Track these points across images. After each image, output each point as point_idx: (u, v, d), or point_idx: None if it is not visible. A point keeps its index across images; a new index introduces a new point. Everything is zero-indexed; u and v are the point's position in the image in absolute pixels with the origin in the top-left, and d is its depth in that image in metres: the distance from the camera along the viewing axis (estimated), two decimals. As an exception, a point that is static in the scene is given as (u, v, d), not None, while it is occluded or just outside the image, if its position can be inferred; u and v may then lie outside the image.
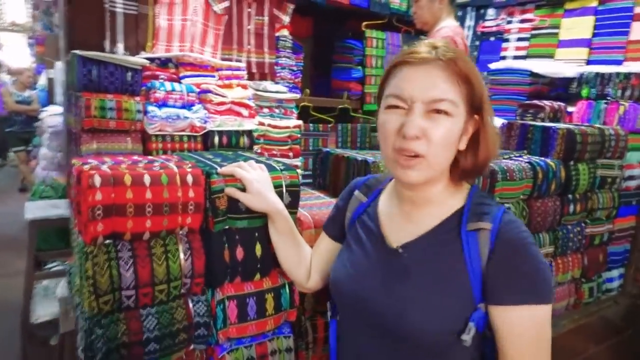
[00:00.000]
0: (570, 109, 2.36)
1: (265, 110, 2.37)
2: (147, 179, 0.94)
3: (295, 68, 2.74)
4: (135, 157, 1.12)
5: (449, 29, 2.26)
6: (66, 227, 2.26)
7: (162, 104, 1.78)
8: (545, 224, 1.81)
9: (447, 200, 0.90)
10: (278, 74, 2.64)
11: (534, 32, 2.80)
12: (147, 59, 1.79)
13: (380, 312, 0.86)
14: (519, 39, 2.88)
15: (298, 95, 2.51)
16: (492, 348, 0.85)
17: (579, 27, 2.56)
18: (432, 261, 0.85)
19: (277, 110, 2.42)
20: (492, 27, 3.06)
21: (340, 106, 2.99)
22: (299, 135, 2.44)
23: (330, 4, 2.72)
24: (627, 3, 2.36)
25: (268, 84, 2.38)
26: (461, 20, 3.30)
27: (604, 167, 2.04)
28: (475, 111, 0.86)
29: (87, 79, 1.51)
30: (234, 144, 2.07)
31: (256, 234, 1.11)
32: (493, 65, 2.66)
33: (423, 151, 0.80)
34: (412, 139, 0.80)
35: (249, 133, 2.13)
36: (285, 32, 2.64)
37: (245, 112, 2.13)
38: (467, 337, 0.80)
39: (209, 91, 2.02)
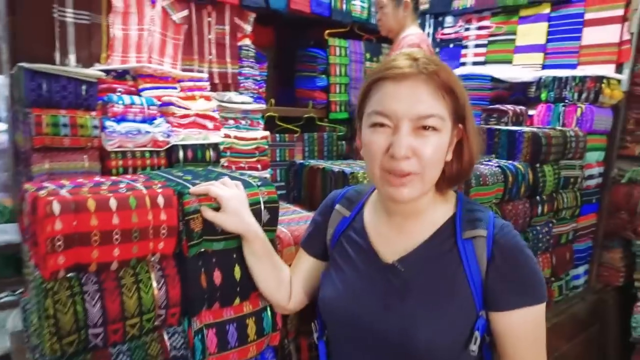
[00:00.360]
0: (530, 112, 2.43)
1: (231, 121, 2.30)
2: (113, 203, 0.85)
3: (259, 78, 2.67)
4: (97, 179, 1.03)
5: (414, 37, 2.28)
6: (14, 254, 2.08)
7: (121, 119, 1.68)
8: (516, 227, 1.83)
9: (436, 209, 0.89)
10: (241, 85, 2.56)
11: (491, 38, 2.88)
12: (103, 71, 1.68)
13: (383, 331, 0.83)
14: (477, 46, 2.95)
15: (264, 106, 2.45)
16: (488, 351, 0.86)
17: (534, 33, 2.65)
18: (432, 273, 0.84)
19: (243, 122, 2.36)
20: (450, 34, 3.13)
21: (306, 115, 2.95)
22: (266, 147, 2.38)
23: (291, 12, 2.68)
24: (578, 9, 2.47)
25: (233, 95, 2.31)
26: (421, 27, 3.34)
27: (567, 167, 2.10)
28: (459, 120, 0.84)
29: (36, 94, 1.39)
30: (200, 158, 1.98)
31: (234, 256, 1.04)
32: (458, 71, 2.70)
33: (414, 169, 0.79)
34: (402, 159, 0.78)
35: (215, 146, 2.05)
36: (247, 41, 2.57)
37: (210, 124, 2.05)
38: (475, 347, 0.79)
39: (171, 104, 1.92)
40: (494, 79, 2.46)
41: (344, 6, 2.95)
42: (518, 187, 1.79)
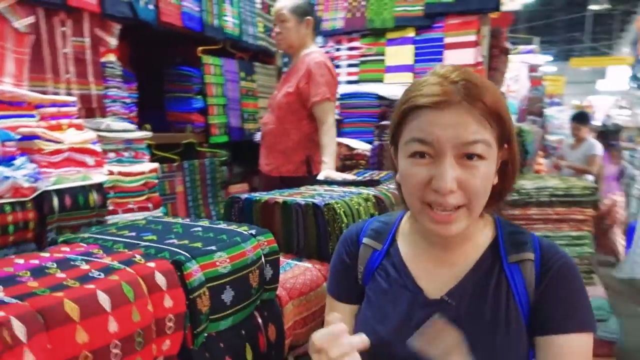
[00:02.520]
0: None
1: (112, 154, 1.87)
2: (104, 300, 0.54)
3: (128, 100, 2.26)
4: (22, 261, 0.66)
5: (319, 54, 2.22)
6: None
7: (-24, 163, 1.19)
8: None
9: (477, 235, 0.84)
10: (109, 109, 2.13)
11: (362, 58, 3.02)
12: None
13: None
14: (350, 65, 3.07)
15: (150, 134, 2.06)
16: None
17: (402, 54, 2.87)
18: (482, 303, 0.79)
19: (126, 154, 1.94)
20: (322, 54, 3.17)
21: (184, 141, 2.61)
22: (156, 182, 2.01)
23: (161, 25, 2.35)
24: (439, 34, 2.76)
25: (111, 122, 1.88)
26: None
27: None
28: (505, 141, 0.80)
29: None
30: (82, 204, 1.56)
31: (243, 332, 0.79)
32: (341, 90, 2.74)
33: (461, 202, 0.73)
34: (447, 194, 0.71)
35: (99, 187, 1.64)
36: (112, 57, 2.15)
37: (90, 160, 1.63)
38: None
39: (36, 137, 1.47)
40: (380, 97, 2.56)
41: (215, 21, 2.73)
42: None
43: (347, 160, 2.35)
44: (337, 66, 3.11)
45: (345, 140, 2.43)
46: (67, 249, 0.74)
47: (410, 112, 0.74)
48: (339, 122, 2.71)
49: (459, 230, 0.74)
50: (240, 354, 0.78)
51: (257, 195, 1.30)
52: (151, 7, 2.29)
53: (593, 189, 2.73)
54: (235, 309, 0.76)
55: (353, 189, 1.46)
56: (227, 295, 0.75)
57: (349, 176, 1.88)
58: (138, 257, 0.67)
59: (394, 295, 0.83)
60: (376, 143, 2.15)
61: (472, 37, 2.69)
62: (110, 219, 1.76)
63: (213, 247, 0.76)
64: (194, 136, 2.69)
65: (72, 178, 1.57)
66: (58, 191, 1.50)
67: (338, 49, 3.12)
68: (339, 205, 1.16)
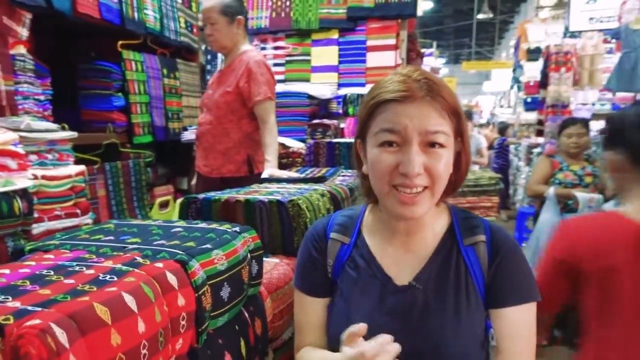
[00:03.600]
0: (342, 125, 2.72)
1: (33, 157, 1.72)
2: (130, 301, 0.53)
3: (42, 97, 2.06)
4: (10, 271, 0.61)
5: (257, 53, 2.21)
6: None
7: None
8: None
9: (435, 222, 0.91)
10: (20, 106, 1.92)
11: (288, 58, 3.06)
12: None
13: (413, 353, 0.80)
14: (276, 64, 3.09)
15: (75, 134, 1.90)
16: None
17: (327, 55, 2.97)
18: (446, 285, 0.86)
19: (49, 156, 1.80)
20: (246, 52, 3.16)
21: (106, 142, 2.43)
22: (83, 185, 1.87)
23: (78, 16, 2.17)
24: (361, 37, 2.91)
25: (30, 121, 1.70)
26: (213, 44, 3.24)
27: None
28: (459, 134, 0.90)
29: None
30: (6, 212, 1.43)
31: (237, 328, 0.80)
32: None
33: (426, 183, 0.81)
34: (414, 176, 0.78)
35: (23, 193, 1.50)
36: (22, 49, 1.94)
37: (12, 163, 1.51)
38: (492, 344, 0.85)
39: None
40: (310, 96, 2.63)
41: (136, 15, 2.58)
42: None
43: (283, 159, 2.39)
44: (263, 65, 3.12)
45: (281, 139, 2.46)
46: (50, 256, 0.69)
47: (378, 106, 0.81)
48: (270, 121, 2.73)
49: (422, 212, 0.81)
50: (237, 349, 0.79)
51: (214, 195, 1.29)
52: (65, -4, 2.10)
53: (497, 179, 3.09)
54: (231, 305, 0.77)
55: (305, 186, 1.51)
56: (225, 292, 0.75)
57: (293, 174, 1.92)
58: (139, 259, 0.66)
59: (365, 284, 0.88)
60: (311, 141, 2.22)
61: (392, 41, 2.87)
62: (36, 227, 1.61)
63: (208, 246, 0.76)
64: (115, 136, 2.52)
65: (-8, 184, 1.41)
66: (-23, 199, 1.34)
67: (264, 48, 3.13)
68: (301, 201, 1.20)
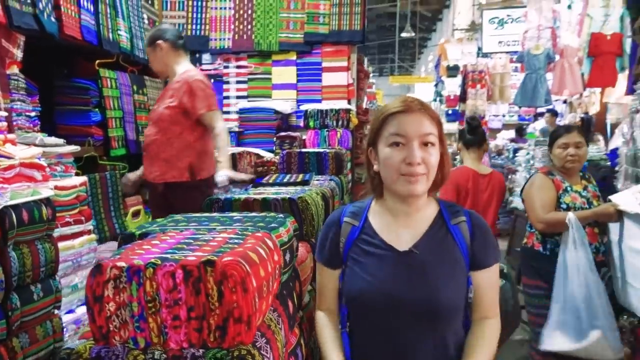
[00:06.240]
0: (304, 136, 3.07)
1: (47, 169, 1.85)
2: (261, 251, 0.85)
3: (33, 114, 2.18)
4: (159, 242, 0.89)
5: (195, 72, 2.44)
6: None
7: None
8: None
9: (427, 207, 1.21)
10: (14, 122, 2.05)
11: (250, 76, 3.36)
12: None
13: (413, 301, 1.09)
14: (238, 82, 3.37)
15: (78, 148, 2.06)
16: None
17: (286, 74, 3.31)
18: (438, 252, 1.12)
19: (58, 168, 1.96)
20: (210, 70, 3.41)
21: (86, 155, 2.57)
22: (86, 195, 2.05)
23: (63, 38, 2.31)
24: (317, 59, 3.29)
25: (41, 136, 1.86)
26: (177, 62, 3.44)
27: (345, 176, 2.84)
28: (441, 141, 1.21)
29: None
30: (37, 219, 1.61)
31: (290, 284, 1.12)
32: (240, 105, 3.04)
33: (423, 171, 1.12)
34: (416, 165, 1.11)
35: (47, 201, 1.69)
36: (15, 69, 2.07)
37: (38, 175, 1.70)
38: (470, 297, 1.17)
39: (-10, 153, 1.48)
40: (276, 111, 2.96)
41: (111, 35, 2.75)
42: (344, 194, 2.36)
43: (259, 167, 2.68)
44: (227, 82, 3.40)
45: (254, 150, 2.75)
46: (171, 234, 0.96)
47: (387, 118, 1.13)
48: (239, 134, 3.01)
49: (421, 190, 1.11)
50: (292, 298, 1.11)
51: (234, 195, 1.58)
52: (53, 19, 2.25)
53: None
54: (289, 267, 1.09)
55: (296, 188, 1.84)
56: (287, 257, 1.07)
57: (247, 176, 2.25)
58: (244, 229, 0.96)
59: (372, 254, 1.11)
60: (285, 151, 2.54)
61: (344, 63, 3.29)
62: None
63: (275, 225, 1.07)
64: (93, 149, 2.66)
65: (24, 193, 1.58)
66: (15, 207, 1.51)
67: (226, 67, 3.40)
68: (307, 197, 1.53)
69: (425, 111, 1.11)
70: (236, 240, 0.88)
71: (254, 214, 1.20)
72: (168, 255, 0.78)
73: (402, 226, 1.16)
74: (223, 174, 2.34)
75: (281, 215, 1.19)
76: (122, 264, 0.75)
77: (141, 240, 0.99)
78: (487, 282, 1.15)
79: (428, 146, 1.10)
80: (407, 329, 1.07)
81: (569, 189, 2.20)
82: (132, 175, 2.66)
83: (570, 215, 2.04)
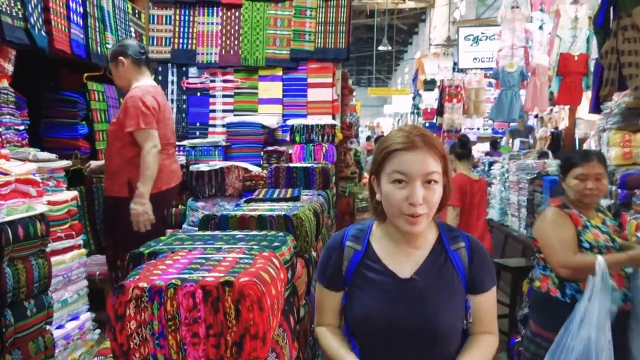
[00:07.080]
0: (290, 151, 3.14)
1: (40, 185, 1.86)
2: (271, 272, 0.91)
3: (21, 127, 2.18)
4: (172, 262, 0.94)
5: (139, 89, 2.39)
6: None
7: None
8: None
9: (428, 233, 1.19)
10: (3, 136, 2.04)
11: (236, 90, 3.41)
12: None
13: (418, 327, 1.13)
14: (224, 96, 3.42)
15: (70, 162, 2.07)
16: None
17: (272, 89, 3.38)
18: (438, 277, 1.14)
19: (50, 183, 1.96)
20: (196, 83, 3.44)
21: (73, 168, 2.56)
22: (77, 209, 2.05)
23: (54, 52, 2.32)
24: (302, 75, 3.37)
25: (34, 151, 1.86)
26: (164, 75, 3.46)
27: (331, 190, 2.92)
28: (445, 173, 1.21)
29: None
30: (32, 234, 1.62)
31: (291, 299, 1.18)
32: (227, 119, 3.08)
33: (424, 212, 1.13)
34: (418, 205, 1.07)
35: (41, 217, 1.70)
36: (5, 82, 2.08)
37: (33, 190, 1.72)
38: (470, 319, 1.21)
39: (-13, 170, 1.50)
40: (263, 126, 3.01)
41: (99, 49, 2.77)
42: (332, 208, 2.43)
43: (247, 181, 2.72)
44: (213, 96, 3.44)
45: (242, 164, 2.79)
46: (182, 254, 1.01)
47: (390, 154, 1.09)
48: (227, 148, 3.05)
49: (421, 229, 1.09)
50: (293, 312, 1.17)
51: (230, 212, 1.63)
52: (44, 33, 2.26)
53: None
54: (291, 283, 1.15)
55: (288, 204, 1.90)
56: (289, 273, 1.13)
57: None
58: (250, 249, 1.02)
59: (375, 280, 1.13)
60: (273, 166, 2.60)
61: (329, 79, 3.38)
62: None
63: (277, 243, 1.13)
64: (80, 162, 2.65)
65: (19, 209, 1.59)
66: (11, 223, 1.52)
67: (213, 81, 3.45)
68: (301, 214, 1.60)
69: (429, 148, 1.09)
70: (246, 260, 0.94)
71: (255, 232, 1.26)
72: (186, 276, 0.83)
73: (403, 252, 1.18)
74: (132, 205, 2.28)
75: (281, 233, 1.25)
76: (143, 284, 0.80)
77: (149, 259, 1.03)
78: (485, 305, 1.18)
79: (431, 183, 1.09)
80: (407, 353, 1.12)
81: (588, 224, 1.88)
82: (94, 164, 2.63)
83: (600, 259, 1.73)
